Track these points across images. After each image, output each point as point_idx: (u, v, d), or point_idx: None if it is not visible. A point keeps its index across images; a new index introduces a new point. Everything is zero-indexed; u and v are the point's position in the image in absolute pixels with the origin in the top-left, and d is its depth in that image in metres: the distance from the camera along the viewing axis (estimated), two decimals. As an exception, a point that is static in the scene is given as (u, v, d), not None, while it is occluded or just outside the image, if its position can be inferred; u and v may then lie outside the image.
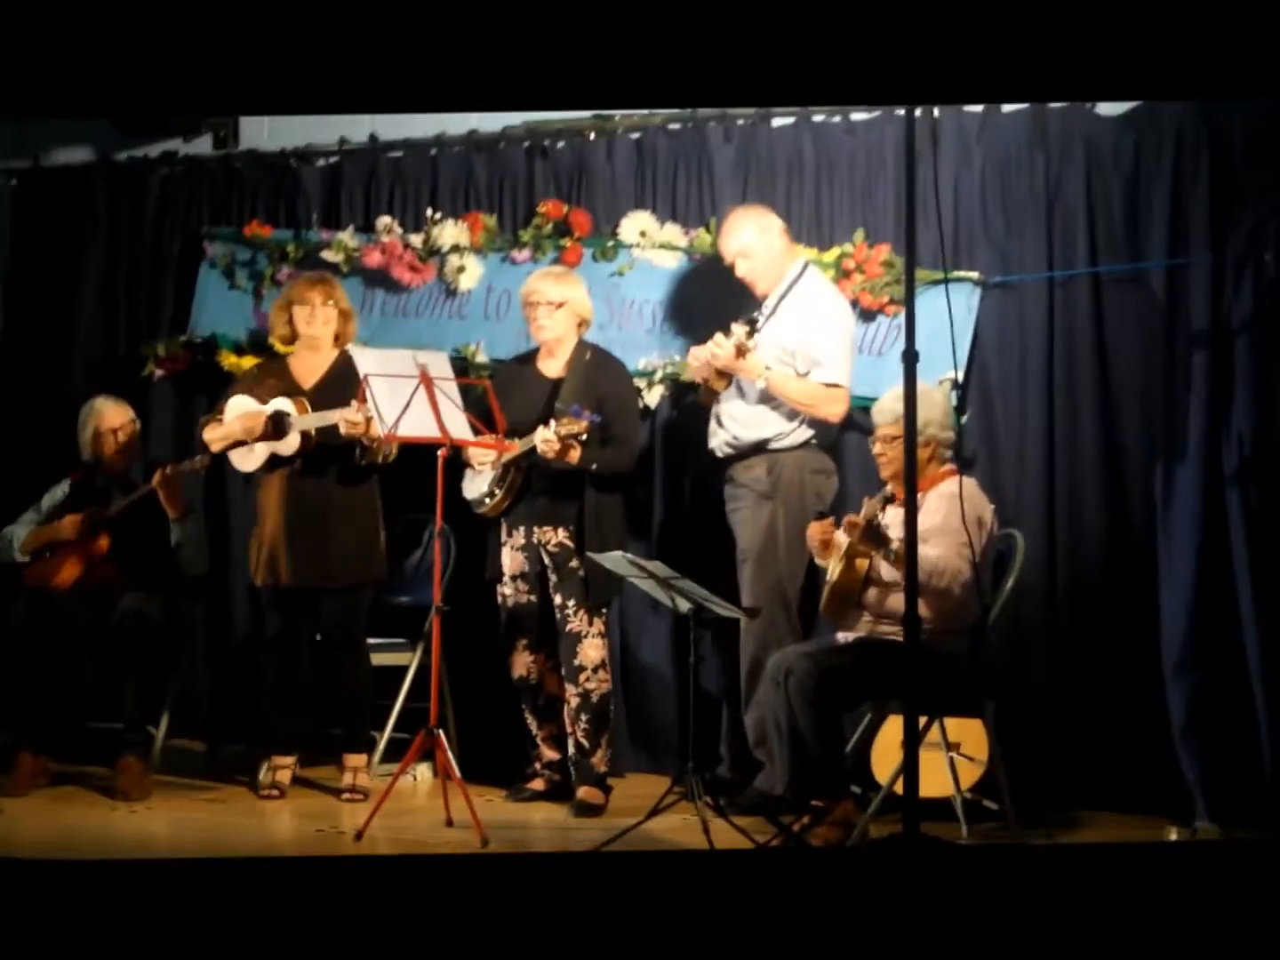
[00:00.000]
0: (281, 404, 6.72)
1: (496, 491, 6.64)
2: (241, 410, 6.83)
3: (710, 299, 7.17)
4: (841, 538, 6.10)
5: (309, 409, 6.69)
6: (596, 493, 6.57)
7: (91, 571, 6.98)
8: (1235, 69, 4.91)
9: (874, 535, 5.86)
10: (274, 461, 6.76)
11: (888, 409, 6.14)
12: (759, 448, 6.66)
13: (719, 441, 6.79)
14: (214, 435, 6.90)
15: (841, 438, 6.94)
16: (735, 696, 6.73)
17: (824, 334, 6.63)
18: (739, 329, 6.49)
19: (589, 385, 6.61)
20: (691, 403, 7.08)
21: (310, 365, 6.90)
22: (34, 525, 7.15)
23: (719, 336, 6.57)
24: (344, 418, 6.54)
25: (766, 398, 6.62)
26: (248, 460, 6.85)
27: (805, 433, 6.65)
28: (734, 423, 6.71)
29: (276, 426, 6.70)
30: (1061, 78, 5.00)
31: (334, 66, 4.91)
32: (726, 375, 6.63)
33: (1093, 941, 4.17)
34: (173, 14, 4.82)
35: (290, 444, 6.70)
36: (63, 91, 4.99)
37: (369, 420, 6.48)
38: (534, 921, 4.22)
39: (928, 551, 5.77)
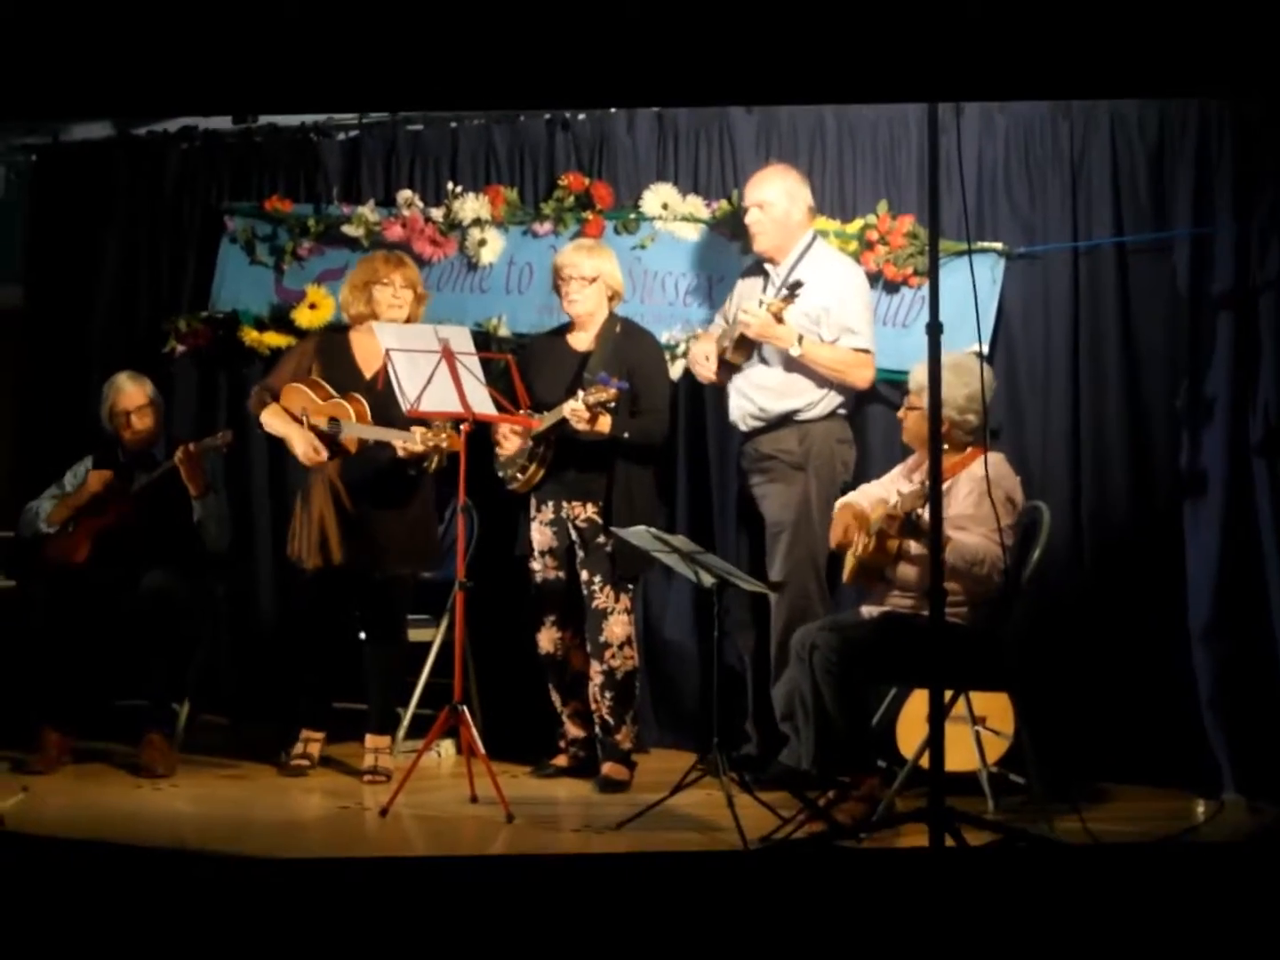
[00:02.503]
0: (337, 408, 6.64)
1: (528, 467, 6.62)
2: (299, 404, 6.73)
3: (733, 272, 7.15)
4: (861, 499, 6.08)
5: (366, 411, 6.60)
6: (626, 466, 6.54)
7: (113, 545, 6.97)
8: (1258, 66, 4.89)
9: (911, 528, 5.81)
10: (330, 452, 6.70)
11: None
12: (787, 419, 6.63)
13: (743, 414, 6.73)
14: (270, 421, 6.81)
15: (865, 409, 6.92)
16: (761, 672, 6.71)
17: (848, 300, 6.63)
18: (770, 297, 6.49)
19: (618, 356, 6.58)
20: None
21: (374, 348, 6.66)
22: (58, 500, 7.13)
23: (749, 305, 6.55)
24: (404, 445, 6.48)
25: (793, 367, 6.59)
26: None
27: (835, 400, 6.63)
28: (763, 393, 6.66)
29: (331, 436, 6.65)
30: (1077, 75, 4.97)
31: (346, 65, 4.90)
32: (745, 349, 6.62)
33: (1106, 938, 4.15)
34: (181, 13, 4.82)
35: (345, 448, 6.64)
36: (72, 92, 4.99)
37: (431, 447, 6.45)
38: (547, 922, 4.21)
39: (967, 539, 5.74)
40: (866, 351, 6.62)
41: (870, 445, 6.90)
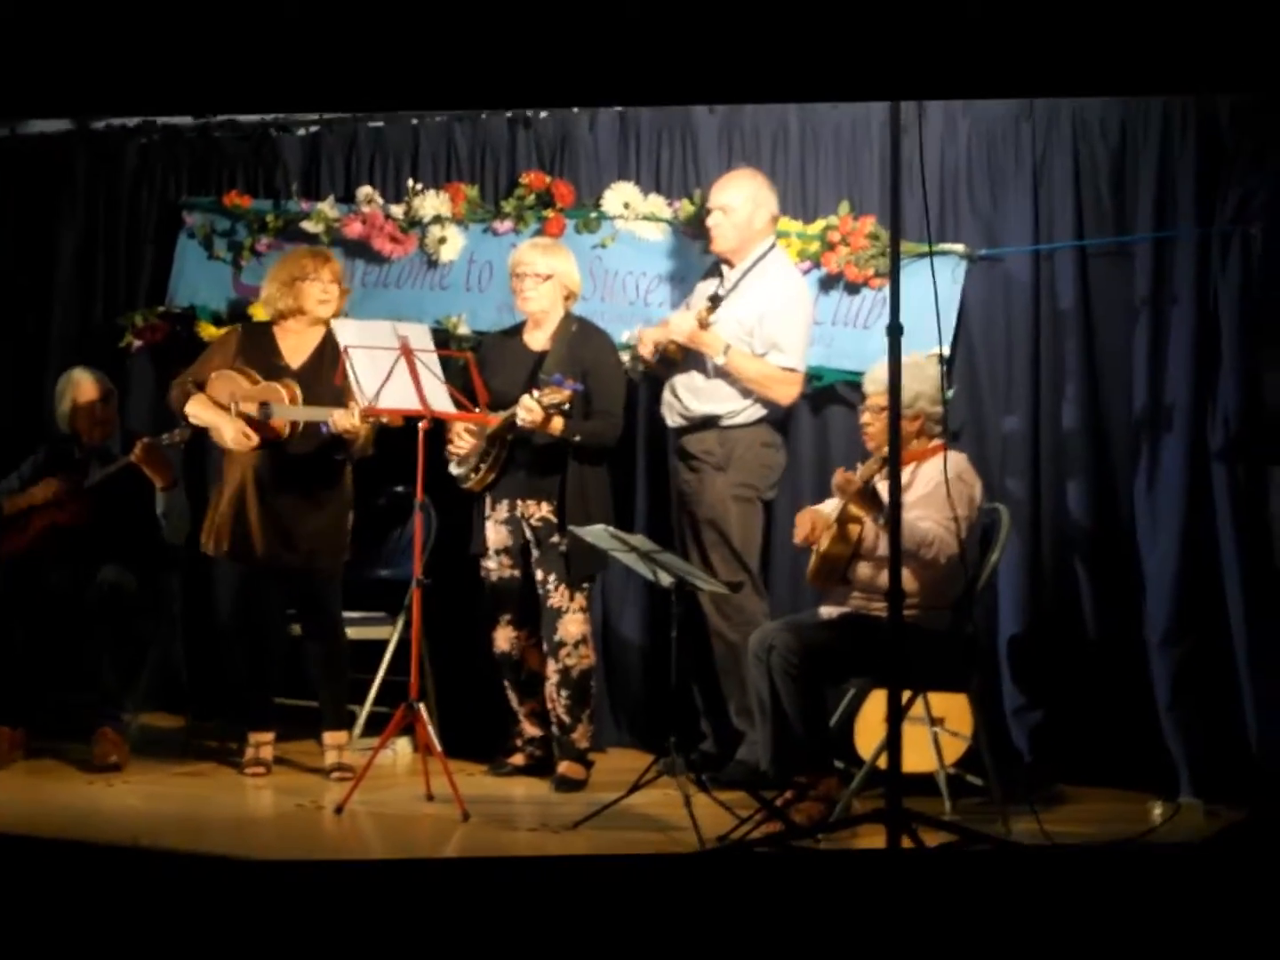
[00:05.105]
0: (269, 391, 6.60)
1: (481, 466, 6.59)
2: (227, 390, 6.66)
3: (694, 271, 7.13)
4: (828, 507, 6.07)
5: (298, 394, 6.57)
6: (580, 466, 6.52)
7: (67, 540, 6.91)
8: (1220, 64, 4.91)
9: (870, 497, 5.80)
10: (260, 439, 6.64)
11: (881, 378, 6.09)
12: (709, 422, 6.66)
13: (671, 412, 6.79)
14: (198, 411, 6.70)
15: (825, 410, 6.92)
16: (710, 670, 6.71)
17: (784, 317, 6.64)
18: (699, 304, 6.56)
19: (573, 357, 6.56)
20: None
21: (300, 341, 6.73)
22: (9, 496, 7.07)
23: (682, 311, 6.59)
24: (336, 421, 6.40)
25: (718, 373, 6.61)
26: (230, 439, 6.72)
27: (758, 411, 6.65)
28: (689, 394, 6.70)
29: (263, 422, 6.57)
30: (1043, 74, 4.98)
31: (317, 66, 4.88)
32: (682, 350, 6.64)
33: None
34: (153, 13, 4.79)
35: (276, 432, 6.58)
36: (38, 94, 4.96)
37: (362, 425, 6.40)
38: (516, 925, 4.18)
39: (918, 522, 5.75)
40: (794, 370, 6.64)
41: (831, 446, 6.93)
